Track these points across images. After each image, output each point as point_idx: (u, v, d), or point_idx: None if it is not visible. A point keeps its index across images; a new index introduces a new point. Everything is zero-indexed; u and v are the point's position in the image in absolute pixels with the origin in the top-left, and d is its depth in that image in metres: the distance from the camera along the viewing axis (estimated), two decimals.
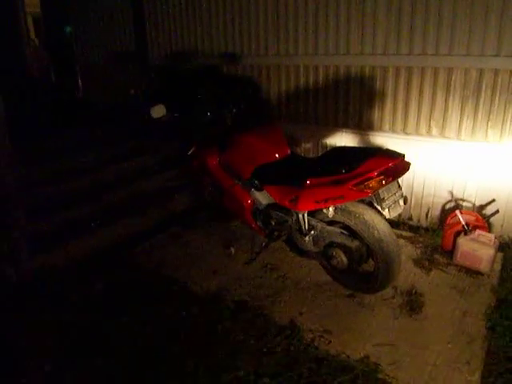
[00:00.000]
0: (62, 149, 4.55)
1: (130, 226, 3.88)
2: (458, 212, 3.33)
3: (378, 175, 2.42)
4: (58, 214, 3.65)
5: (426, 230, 3.78)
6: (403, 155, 2.59)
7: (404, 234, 3.77)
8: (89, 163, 4.35)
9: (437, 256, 3.40)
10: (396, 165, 2.49)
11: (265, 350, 2.45)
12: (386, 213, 2.60)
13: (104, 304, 2.91)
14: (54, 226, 3.56)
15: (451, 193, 3.71)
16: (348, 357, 2.41)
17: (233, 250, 3.57)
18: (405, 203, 2.71)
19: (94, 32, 6.42)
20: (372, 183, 2.41)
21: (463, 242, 3.19)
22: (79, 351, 2.49)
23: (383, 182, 2.42)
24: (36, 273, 3.16)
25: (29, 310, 2.83)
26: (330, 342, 2.53)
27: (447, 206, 3.77)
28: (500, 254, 3.32)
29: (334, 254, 2.81)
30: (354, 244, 2.72)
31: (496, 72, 3.28)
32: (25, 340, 2.59)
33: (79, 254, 3.40)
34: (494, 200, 3.53)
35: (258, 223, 3.30)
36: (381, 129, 3.94)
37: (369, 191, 2.42)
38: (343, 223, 2.76)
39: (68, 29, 6.92)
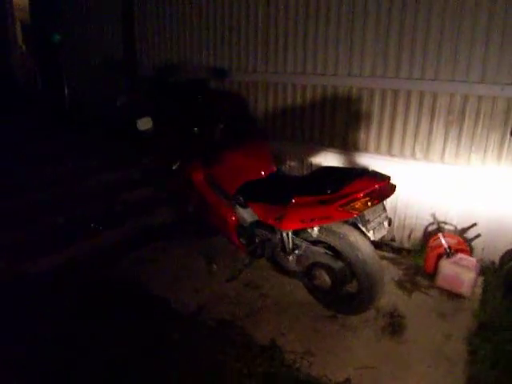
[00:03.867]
0: (44, 158, 4.48)
1: (110, 238, 3.80)
2: (440, 235, 3.35)
3: (364, 196, 2.42)
4: (30, 223, 3.55)
5: (409, 251, 3.79)
6: (389, 177, 2.60)
7: (387, 255, 3.78)
8: (69, 173, 4.29)
9: (419, 278, 3.41)
10: (382, 187, 2.51)
11: (245, 371, 2.40)
12: (370, 234, 2.60)
13: (78, 318, 2.81)
14: (25, 234, 3.46)
15: (434, 215, 3.74)
16: (329, 380, 2.37)
17: (215, 266, 3.52)
18: (389, 225, 2.72)
19: (82, 41, 6.37)
20: (358, 204, 2.41)
21: (445, 265, 3.20)
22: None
23: (369, 203, 2.43)
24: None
25: None
26: (312, 363, 2.50)
27: (430, 228, 3.80)
28: (481, 278, 3.34)
29: (318, 274, 2.79)
30: (338, 265, 2.71)
31: (480, 98, 3.35)
32: None
33: (54, 265, 3.28)
34: (475, 224, 3.56)
35: (242, 240, 3.27)
36: (366, 149, 3.97)
37: (355, 212, 2.42)
38: (327, 243, 2.75)
39: (56, 36, 6.86)
